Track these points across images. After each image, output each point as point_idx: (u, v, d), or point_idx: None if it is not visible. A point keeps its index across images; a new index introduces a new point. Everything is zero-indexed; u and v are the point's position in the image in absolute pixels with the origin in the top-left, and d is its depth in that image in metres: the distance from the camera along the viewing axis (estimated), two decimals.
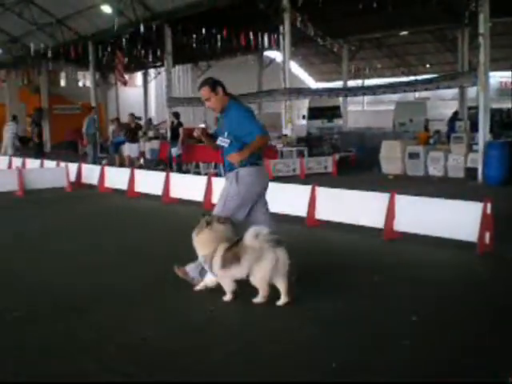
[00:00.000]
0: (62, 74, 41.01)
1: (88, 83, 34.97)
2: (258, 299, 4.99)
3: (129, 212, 10.94)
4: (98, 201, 12.53)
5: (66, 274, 6.23)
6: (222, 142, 5.58)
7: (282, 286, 4.95)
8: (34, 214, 10.81)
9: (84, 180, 14.52)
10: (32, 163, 17.01)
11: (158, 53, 29.24)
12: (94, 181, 13.94)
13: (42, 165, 16.31)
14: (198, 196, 10.64)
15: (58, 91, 37.35)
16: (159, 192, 11.80)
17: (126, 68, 32.15)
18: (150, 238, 8.22)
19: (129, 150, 18.19)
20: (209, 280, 5.35)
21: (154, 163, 19.46)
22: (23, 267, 6.56)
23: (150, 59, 32.28)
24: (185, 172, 16.23)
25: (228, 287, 5.12)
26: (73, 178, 14.29)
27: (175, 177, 12.24)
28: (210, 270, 5.16)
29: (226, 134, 5.54)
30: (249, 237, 4.92)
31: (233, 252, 4.97)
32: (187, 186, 11.55)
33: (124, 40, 25.87)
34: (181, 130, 17.42)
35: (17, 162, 17.68)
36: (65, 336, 4.37)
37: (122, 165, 17.36)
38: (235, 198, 5.44)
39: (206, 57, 32.34)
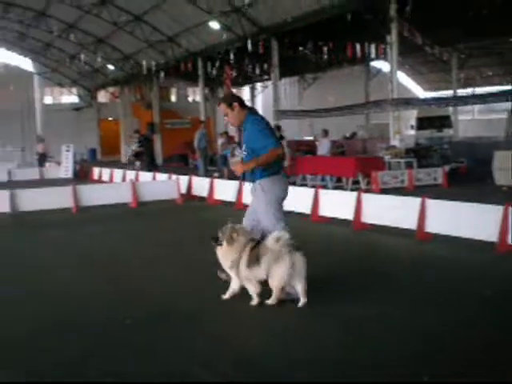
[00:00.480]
0: (173, 90, 42.78)
1: (198, 98, 36.11)
2: (270, 301, 5.19)
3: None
4: (206, 212, 12.87)
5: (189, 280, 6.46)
6: (241, 153, 5.92)
7: (299, 287, 5.17)
8: (148, 223, 11.31)
9: (194, 192, 14.97)
10: (144, 176, 17.84)
11: (265, 66, 29.75)
12: (204, 193, 14.35)
13: (154, 178, 17.05)
14: (305, 208, 10.65)
15: (168, 106, 38.88)
16: None
17: (234, 82, 32.97)
18: None
19: None
20: (234, 285, 5.47)
21: None
22: (141, 273, 6.89)
23: (258, 73, 32.89)
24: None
25: (253, 289, 5.29)
26: (183, 190, 14.79)
27: None
28: (237, 274, 5.34)
29: (244, 146, 5.85)
30: (271, 240, 5.19)
31: (255, 253, 5.21)
32: (295, 198, 11.58)
33: (232, 55, 26.56)
34: (284, 143, 17.53)
35: (130, 175, 18.62)
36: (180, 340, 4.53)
37: (230, 178, 17.75)
38: (269, 206, 5.73)
39: (312, 69, 32.49)
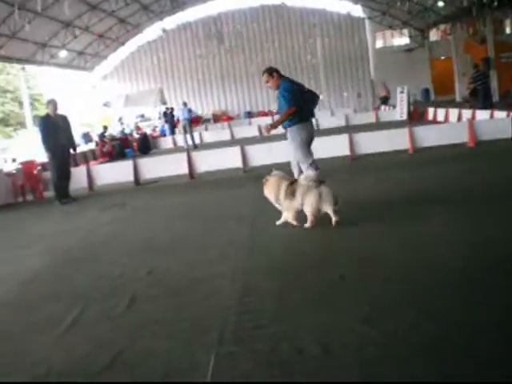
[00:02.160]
0: (507, 22, 39.68)
1: None
2: (307, 224, 6.65)
3: None
4: None
5: None
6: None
7: (329, 211, 6.56)
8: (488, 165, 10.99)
9: None
10: (481, 114, 17.29)
11: None
12: None
13: (491, 116, 16.44)
14: None
15: (503, 39, 36.33)
16: None
17: None
18: None
19: None
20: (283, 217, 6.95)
21: None
22: None
23: None
24: None
25: (292, 217, 6.78)
26: None
27: None
28: (281, 206, 6.91)
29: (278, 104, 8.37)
30: (302, 178, 6.94)
31: (291, 188, 6.74)
32: None
33: None
34: None
35: (466, 114, 18.26)
36: None
37: None
38: (299, 146, 8.03)
39: None
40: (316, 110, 8.56)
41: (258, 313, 4.24)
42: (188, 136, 23.51)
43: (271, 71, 8.24)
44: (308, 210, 6.62)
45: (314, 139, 8.25)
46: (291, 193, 6.73)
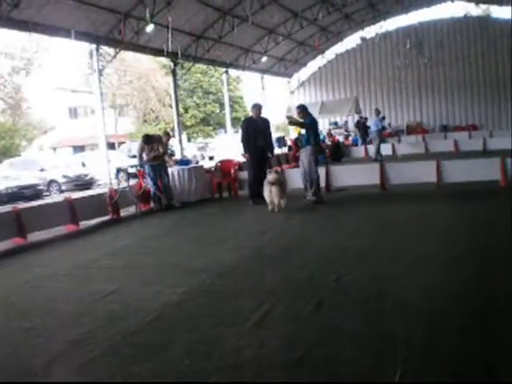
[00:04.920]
0: None
1: None
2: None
3: None
4: None
5: None
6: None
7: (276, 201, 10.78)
8: None
9: None
10: None
11: None
12: None
13: None
14: None
15: None
16: None
17: None
18: None
19: None
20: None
21: None
22: None
23: None
24: None
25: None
26: None
27: None
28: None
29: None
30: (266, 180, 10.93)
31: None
32: None
33: None
34: None
35: None
36: None
37: None
38: (311, 160, 11.63)
39: None
40: None
41: (446, 334, 4.06)
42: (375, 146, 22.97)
43: (302, 109, 12.04)
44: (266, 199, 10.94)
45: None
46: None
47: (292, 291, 5.49)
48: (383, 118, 25.44)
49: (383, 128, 24.83)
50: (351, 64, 40.99)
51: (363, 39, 40.26)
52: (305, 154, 11.84)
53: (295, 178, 12.85)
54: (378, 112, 24.02)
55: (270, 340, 4.26)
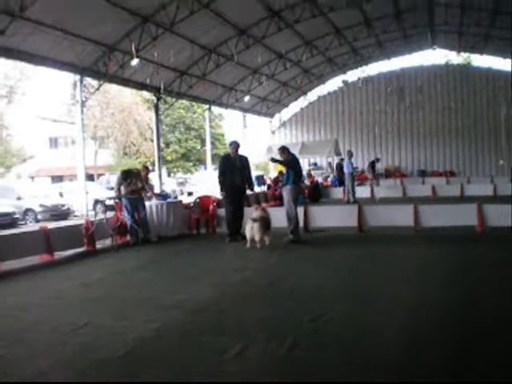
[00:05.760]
0: None
1: None
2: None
3: None
4: None
5: None
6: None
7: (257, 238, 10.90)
8: None
9: None
10: None
11: None
12: None
13: None
14: None
15: None
16: None
17: None
18: None
19: None
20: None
21: None
22: None
23: None
24: None
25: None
26: None
27: None
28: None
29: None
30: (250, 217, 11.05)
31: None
32: None
33: None
34: None
35: None
36: None
37: None
38: (290, 200, 11.82)
39: None
40: None
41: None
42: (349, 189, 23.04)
43: (283, 150, 12.25)
44: (247, 236, 11.00)
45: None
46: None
47: (266, 331, 5.43)
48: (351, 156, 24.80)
49: (354, 170, 24.93)
50: (332, 106, 41.56)
51: (345, 82, 40.96)
52: (285, 194, 12.03)
53: (274, 216, 12.86)
54: (350, 154, 24.06)
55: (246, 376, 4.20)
